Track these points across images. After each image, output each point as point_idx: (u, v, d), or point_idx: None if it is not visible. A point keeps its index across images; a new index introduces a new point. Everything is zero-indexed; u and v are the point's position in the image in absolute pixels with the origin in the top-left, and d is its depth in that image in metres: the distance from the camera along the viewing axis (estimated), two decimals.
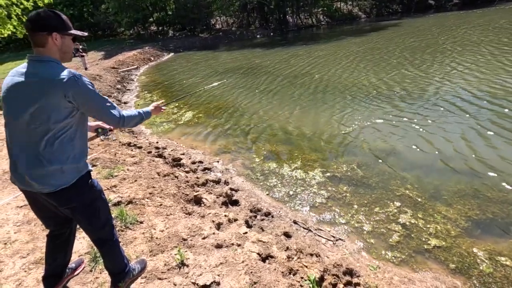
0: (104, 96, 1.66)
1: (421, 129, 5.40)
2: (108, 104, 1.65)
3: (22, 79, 1.46)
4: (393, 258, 2.94)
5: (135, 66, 17.24)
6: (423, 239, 3.09)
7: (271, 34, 28.27)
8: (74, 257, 2.38)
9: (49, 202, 1.65)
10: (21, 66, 1.51)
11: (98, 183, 1.79)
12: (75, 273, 2.22)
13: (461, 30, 15.98)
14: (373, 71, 9.82)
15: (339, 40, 18.54)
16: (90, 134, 2.00)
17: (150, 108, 2.06)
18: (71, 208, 1.67)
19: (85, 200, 1.68)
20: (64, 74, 1.46)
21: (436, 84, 7.71)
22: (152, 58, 20.46)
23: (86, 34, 1.72)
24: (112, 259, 1.97)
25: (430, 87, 7.55)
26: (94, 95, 1.57)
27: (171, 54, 22.92)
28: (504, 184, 3.73)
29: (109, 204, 3.10)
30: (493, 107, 5.85)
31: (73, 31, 1.58)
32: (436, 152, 4.62)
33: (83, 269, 2.28)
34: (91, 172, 1.75)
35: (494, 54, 9.80)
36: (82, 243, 2.54)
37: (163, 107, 2.20)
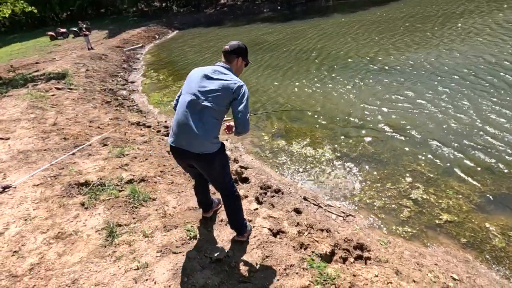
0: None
1: (433, 104, 5.23)
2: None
3: (211, 75, 2.01)
4: (404, 233, 2.95)
5: (140, 45, 16.96)
6: (435, 214, 3.08)
7: (279, 8, 27.17)
8: None
9: (194, 160, 2.10)
10: (215, 65, 2.09)
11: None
12: (218, 207, 2.78)
13: None
14: (385, 45, 9.42)
15: (351, 13, 17.72)
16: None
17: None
18: (209, 167, 2.19)
19: (218, 163, 2.16)
20: (236, 80, 2.01)
21: (449, 57, 7.36)
22: (157, 36, 20.05)
23: (250, 62, 2.33)
24: (234, 212, 2.29)
25: (443, 60, 7.22)
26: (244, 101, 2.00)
27: (176, 31, 22.39)
28: None
29: (122, 182, 3.18)
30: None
31: (247, 60, 2.23)
32: (450, 127, 4.50)
33: (220, 207, 2.79)
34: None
35: None
36: (98, 219, 2.61)
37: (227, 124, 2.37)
